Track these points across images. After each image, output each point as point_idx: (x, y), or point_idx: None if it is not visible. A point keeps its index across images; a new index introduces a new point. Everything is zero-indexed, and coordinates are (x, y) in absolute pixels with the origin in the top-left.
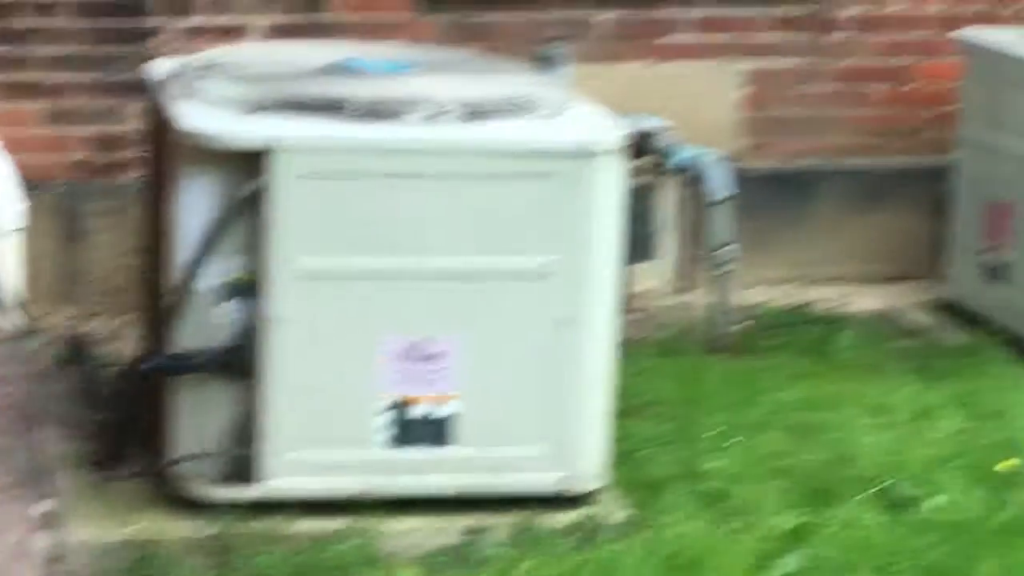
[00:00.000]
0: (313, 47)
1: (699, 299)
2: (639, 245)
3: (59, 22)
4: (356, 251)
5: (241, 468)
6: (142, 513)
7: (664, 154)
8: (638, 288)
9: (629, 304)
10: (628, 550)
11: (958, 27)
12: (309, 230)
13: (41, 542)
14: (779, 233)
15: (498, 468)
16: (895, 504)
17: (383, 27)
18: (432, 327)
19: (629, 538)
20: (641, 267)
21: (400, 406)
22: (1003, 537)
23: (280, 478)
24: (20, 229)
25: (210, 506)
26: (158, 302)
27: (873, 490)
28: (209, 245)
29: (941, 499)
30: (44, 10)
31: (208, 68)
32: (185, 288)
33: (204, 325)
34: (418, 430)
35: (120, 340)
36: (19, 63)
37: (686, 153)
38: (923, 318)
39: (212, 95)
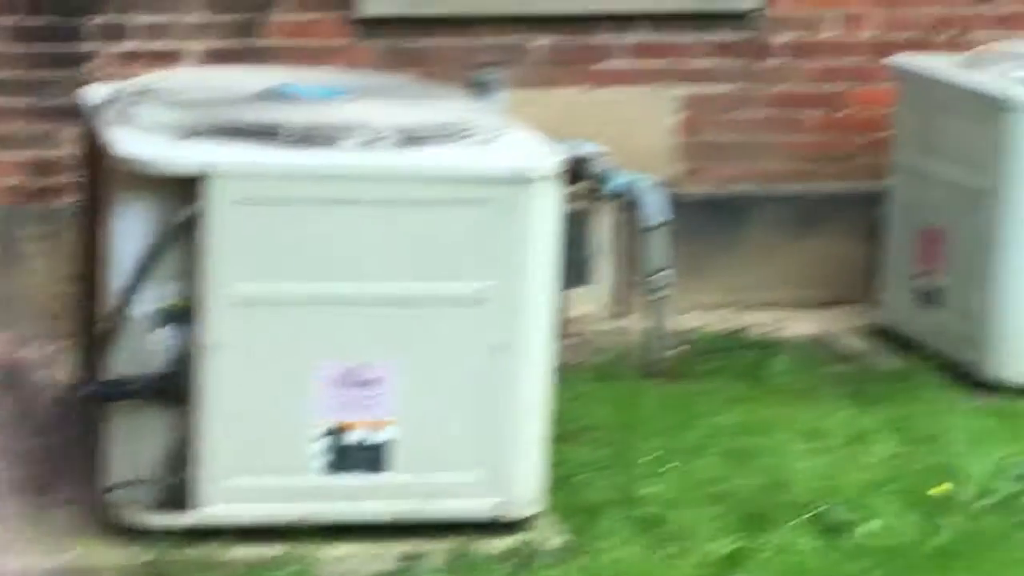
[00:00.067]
0: (248, 73)
1: (635, 324)
2: (575, 270)
3: None
4: (291, 277)
5: (177, 495)
6: (78, 540)
7: (599, 180)
8: (574, 313)
9: (565, 329)
10: None
11: (891, 53)
12: (244, 256)
13: None
14: (714, 258)
15: (434, 494)
16: (830, 529)
17: (318, 52)
18: (368, 353)
19: (565, 564)
20: (577, 292)
21: (336, 432)
22: (937, 561)
23: (216, 505)
24: None
25: (145, 533)
26: (93, 328)
27: (808, 515)
28: (144, 271)
29: (875, 524)
30: None
31: (143, 93)
32: (120, 314)
33: (139, 351)
34: (354, 456)
35: (56, 366)
36: None
37: (621, 179)
38: (857, 343)
39: (147, 121)
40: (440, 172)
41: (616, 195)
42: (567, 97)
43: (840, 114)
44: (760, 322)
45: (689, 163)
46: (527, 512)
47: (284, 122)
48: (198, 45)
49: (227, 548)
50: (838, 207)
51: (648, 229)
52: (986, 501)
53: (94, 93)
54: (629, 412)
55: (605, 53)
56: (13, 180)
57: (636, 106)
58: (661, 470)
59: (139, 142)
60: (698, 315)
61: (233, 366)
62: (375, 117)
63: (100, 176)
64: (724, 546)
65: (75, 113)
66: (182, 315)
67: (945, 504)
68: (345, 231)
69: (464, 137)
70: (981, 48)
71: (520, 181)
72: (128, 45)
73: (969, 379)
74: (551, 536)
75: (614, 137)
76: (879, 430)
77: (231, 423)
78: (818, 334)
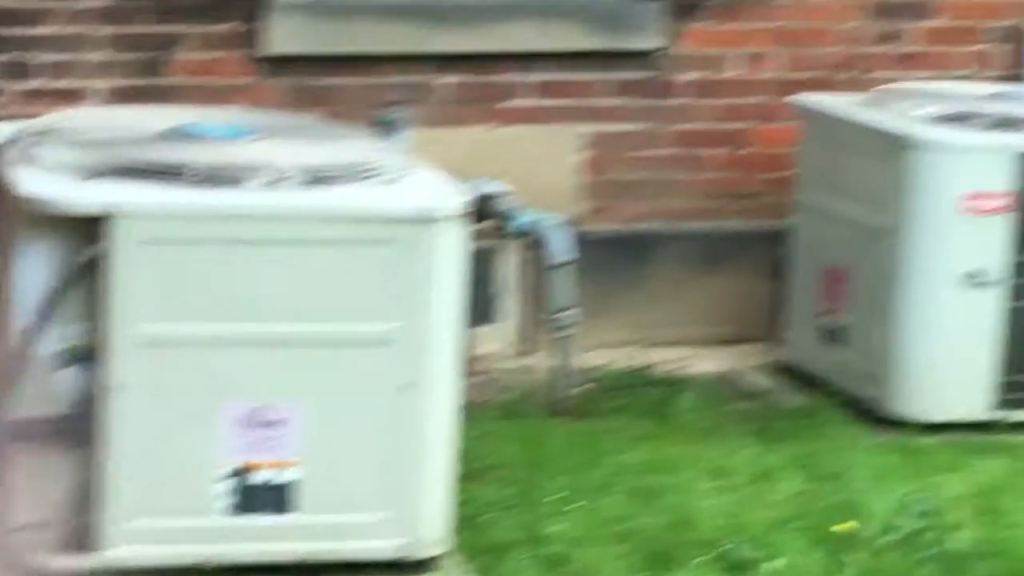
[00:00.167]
0: (153, 112)
1: (541, 362)
2: (481, 308)
3: None
4: (196, 317)
5: (81, 537)
6: None
7: (505, 218)
8: (480, 351)
9: (471, 367)
10: None
11: (794, 92)
12: (149, 296)
13: None
14: (619, 296)
15: (340, 535)
16: (735, 567)
17: (223, 91)
18: (273, 394)
19: None
20: (483, 330)
21: (241, 473)
22: None
23: (120, 547)
24: None
25: None
26: None
27: (713, 553)
28: (48, 311)
29: (780, 562)
30: None
31: (47, 133)
32: (24, 354)
33: (44, 392)
34: (259, 497)
35: None
36: None
37: (527, 217)
38: (762, 380)
39: (51, 160)
40: (345, 212)
41: (521, 234)
42: (472, 136)
43: (744, 152)
44: (666, 360)
45: (594, 201)
46: (433, 552)
47: (189, 162)
48: (102, 83)
49: None
50: (743, 245)
51: (553, 267)
52: (889, 538)
53: None
54: (535, 450)
55: (510, 92)
56: None
57: (541, 144)
58: (567, 509)
59: (43, 182)
60: (604, 353)
61: (137, 407)
62: (280, 157)
63: (3, 216)
64: None
65: None
66: (87, 356)
67: (849, 541)
68: (250, 271)
69: (369, 177)
70: (883, 87)
71: (425, 221)
72: (32, 83)
73: (872, 416)
74: None
75: (519, 175)
76: (784, 468)
77: (136, 464)
78: (723, 372)
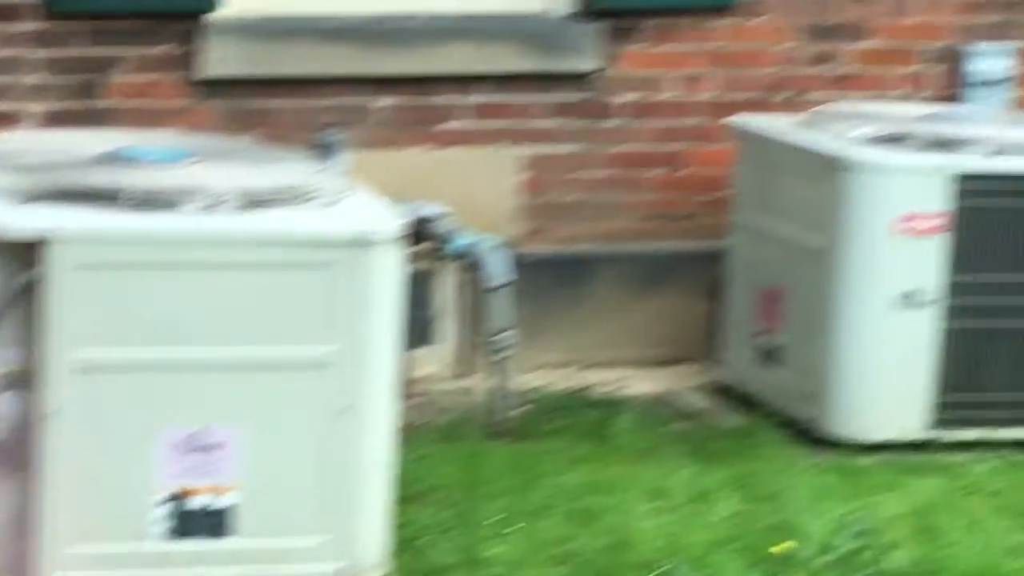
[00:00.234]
0: (89, 135)
1: (479, 384)
2: (418, 331)
3: None
4: (133, 342)
5: (18, 563)
6: None
7: (442, 241)
8: (418, 373)
9: (409, 390)
10: None
11: (730, 114)
12: (85, 321)
13: None
14: (557, 317)
15: (278, 559)
16: None
17: (159, 114)
18: (210, 418)
19: None
20: (421, 352)
21: (178, 498)
22: None
23: (58, 573)
24: None
25: None
26: None
27: (652, 575)
28: None
29: None
30: None
31: None
32: None
33: None
34: (197, 522)
35: None
36: None
37: (464, 240)
38: (699, 401)
39: None
40: (282, 236)
41: (459, 256)
42: (410, 158)
43: (681, 174)
44: (603, 381)
45: (531, 223)
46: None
47: (125, 186)
48: (37, 107)
49: None
50: (680, 266)
51: (491, 290)
52: (827, 558)
53: None
54: (473, 473)
55: (447, 114)
56: None
57: (479, 166)
58: (506, 531)
59: None
60: (541, 374)
61: (74, 432)
62: (216, 180)
63: None
64: None
65: None
66: (23, 381)
67: (787, 562)
68: (187, 295)
69: (306, 200)
70: (818, 108)
71: (362, 244)
72: None
73: (809, 436)
74: None
75: (457, 198)
76: (721, 488)
77: (72, 490)
78: (661, 392)
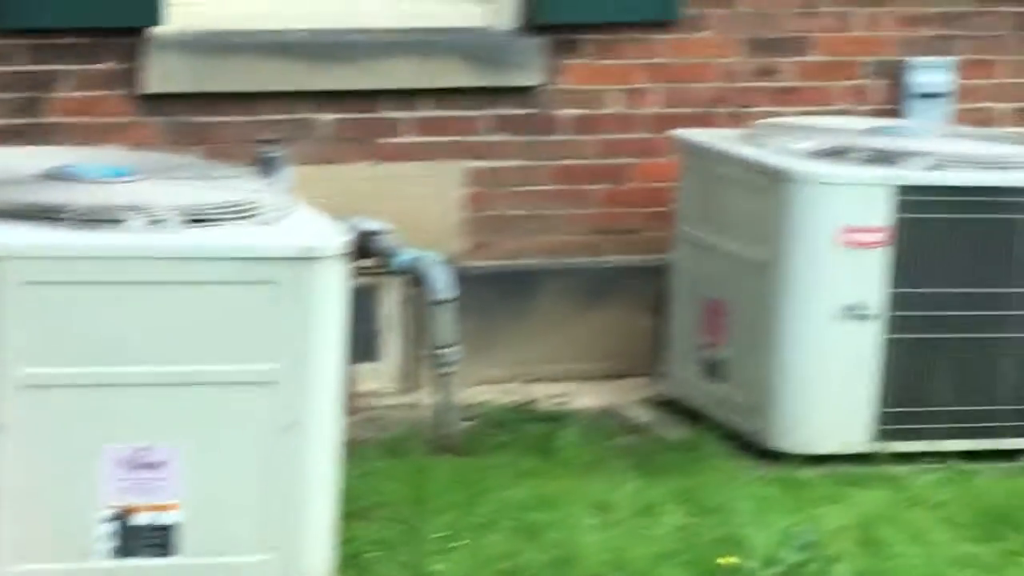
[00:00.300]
0: (32, 152)
1: (423, 399)
2: (363, 346)
3: None
4: (77, 359)
5: None
6: None
7: (386, 256)
8: (362, 389)
9: (353, 405)
10: None
11: (674, 127)
12: (30, 338)
13: None
14: (502, 332)
15: None
16: None
17: (103, 129)
18: (155, 435)
19: None
20: (365, 368)
21: (122, 516)
22: None
23: None
24: None
25: None
26: None
27: None
28: None
29: None
30: None
31: None
32: None
33: None
34: (141, 540)
35: None
36: None
37: (407, 255)
38: (645, 414)
39: None
40: (225, 252)
41: (402, 271)
42: (353, 173)
43: (625, 187)
44: (548, 395)
45: (476, 237)
46: None
47: (68, 203)
48: None
49: None
50: (624, 279)
51: (435, 304)
52: (772, 571)
53: None
54: (418, 488)
55: (391, 128)
56: None
57: (423, 181)
58: (451, 546)
59: None
60: (487, 389)
61: (17, 449)
62: (160, 197)
63: None
64: None
65: None
66: None
67: (732, 575)
68: (131, 312)
69: (249, 216)
70: (761, 122)
71: (306, 260)
72: None
73: (754, 449)
74: None
75: (401, 212)
76: (666, 502)
77: (15, 508)
78: (606, 406)
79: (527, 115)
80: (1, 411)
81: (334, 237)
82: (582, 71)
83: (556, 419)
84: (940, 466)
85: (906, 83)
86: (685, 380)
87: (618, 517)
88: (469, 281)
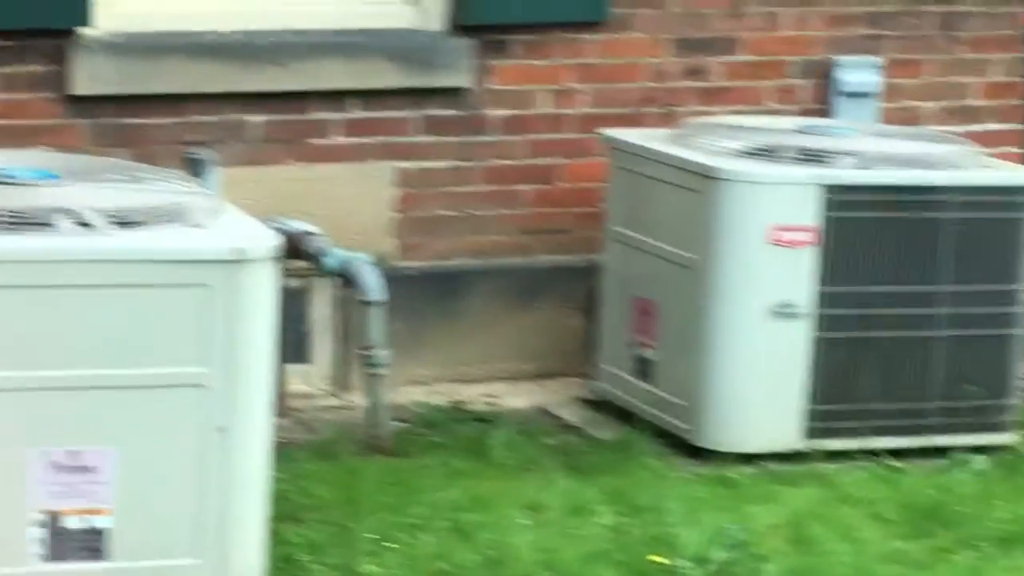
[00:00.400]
0: None
1: (355, 400)
2: (293, 348)
3: None
4: (5, 363)
5: None
6: None
7: (317, 257)
8: (294, 391)
9: (285, 407)
10: None
11: (603, 127)
12: None
13: None
14: (433, 332)
15: None
16: None
17: (30, 131)
18: (84, 439)
19: None
20: (296, 370)
21: (53, 520)
22: None
23: None
24: None
25: None
26: None
27: None
28: None
29: None
30: None
31: None
32: None
33: None
34: (72, 544)
35: None
36: None
37: (338, 256)
38: (576, 414)
39: None
40: (155, 255)
41: (333, 273)
42: (283, 174)
43: (555, 188)
44: (479, 395)
45: (406, 238)
46: None
47: None
48: None
49: None
50: (555, 280)
51: (366, 306)
52: (702, 570)
53: None
54: (350, 490)
55: (320, 130)
56: None
57: (352, 182)
58: (383, 548)
59: None
60: (417, 390)
61: None
62: (88, 199)
63: None
64: None
65: None
66: None
67: (663, 574)
68: (59, 316)
69: (179, 219)
70: (689, 121)
71: (235, 262)
72: None
73: (685, 448)
74: None
75: (331, 213)
76: (598, 501)
77: None
78: (537, 406)
79: (456, 116)
80: None
81: (265, 239)
82: (511, 72)
83: (488, 420)
84: (870, 464)
85: (834, 82)
86: (616, 380)
87: (550, 517)
88: (399, 282)
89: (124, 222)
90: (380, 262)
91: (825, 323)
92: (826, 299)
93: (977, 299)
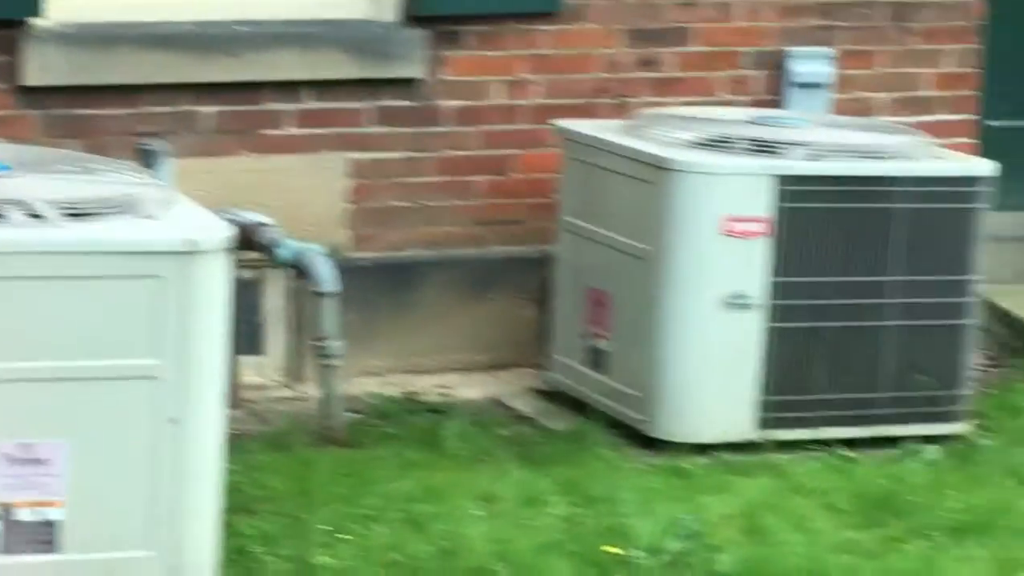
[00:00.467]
0: None
1: (308, 391)
2: (246, 339)
3: None
4: None
5: None
6: None
7: (270, 248)
8: (246, 382)
9: (237, 398)
10: None
11: (556, 118)
12: None
13: None
14: (386, 323)
15: (107, 573)
16: None
17: None
18: (37, 431)
19: None
20: (249, 361)
21: (5, 512)
22: None
23: None
24: None
25: None
26: None
27: None
28: None
29: None
30: None
31: None
32: None
33: None
34: (24, 536)
35: None
36: None
37: (291, 247)
38: (530, 405)
39: None
40: (107, 246)
41: (286, 264)
42: (236, 165)
43: (508, 178)
44: (433, 386)
45: (359, 229)
46: None
47: None
48: None
49: None
50: (509, 271)
51: (319, 297)
52: (656, 560)
53: None
54: (303, 481)
55: (273, 120)
56: None
57: (305, 173)
58: (337, 539)
59: None
60: (371, 381)
61: None
62: (40, 191)
63: None
64: None
65: None
66: None
67: (617, 564)
68: (11, 307)
69: (131, 211)
70: (642, 112)
71: (188, 253)
72: None
73: (639, 438)
74: None
75: (284, 204)
76: (552, 492)
77: None
78: (491, 397)
79: (410, 107)
80: None
81: (217, 230)
82: (464, 63)
83: (441, 411)
84: (822, 454)
85: (786, 73)
86: (570, 370)
87: (503, 508)
88: (353, 273)
89: (76, 214)
90: (333, 253)
91: (778, 314)
92: (779, 290)
93: (929, 289)
